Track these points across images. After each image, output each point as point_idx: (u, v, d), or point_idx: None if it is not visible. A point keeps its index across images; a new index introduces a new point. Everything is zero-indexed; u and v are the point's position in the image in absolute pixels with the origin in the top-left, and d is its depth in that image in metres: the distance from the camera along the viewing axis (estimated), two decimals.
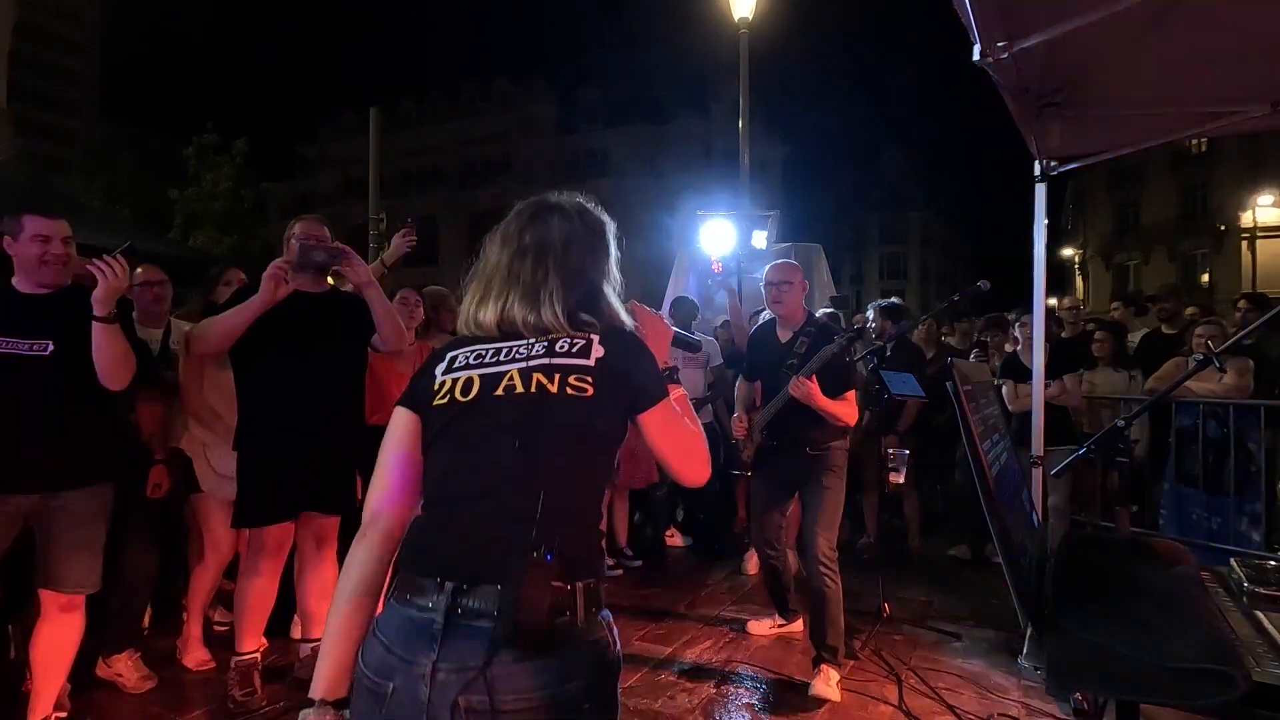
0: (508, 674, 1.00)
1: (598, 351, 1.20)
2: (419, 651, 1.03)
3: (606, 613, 1.15)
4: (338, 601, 1.15)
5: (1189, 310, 5.69)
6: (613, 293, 1.32)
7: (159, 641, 3.35)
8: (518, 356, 1.21)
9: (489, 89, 38.61)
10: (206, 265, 4.47)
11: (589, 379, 1.17)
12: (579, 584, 1.08)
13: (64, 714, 2.68)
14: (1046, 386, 4.25)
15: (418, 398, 1.23)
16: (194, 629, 3.22)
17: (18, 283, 2.48)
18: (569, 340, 1.22)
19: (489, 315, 1.25)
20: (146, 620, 3.48)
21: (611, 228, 1.36)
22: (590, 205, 1.35)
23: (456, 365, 1.23)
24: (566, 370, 1.18)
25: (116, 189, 24.45)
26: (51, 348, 2.41)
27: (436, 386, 1.21)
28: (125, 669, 2.98)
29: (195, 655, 3.19)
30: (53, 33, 53.16)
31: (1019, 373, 4.49)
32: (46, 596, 2.47)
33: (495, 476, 1.13)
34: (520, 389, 1.17)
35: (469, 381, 1.20)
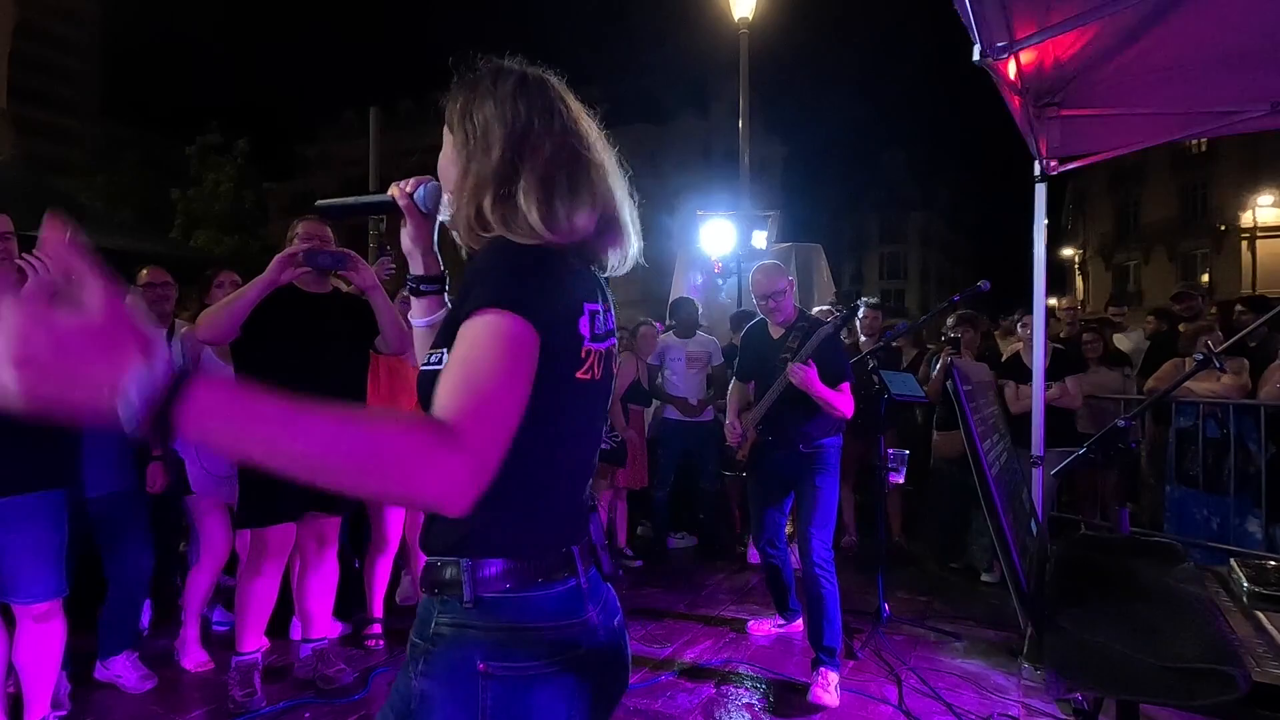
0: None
1: None
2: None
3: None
4: None
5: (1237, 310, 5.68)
6: None
7: (158, 642, 3.35)
8: (611, 328, 1.09)
9: None
10: (208, 266, 4.47)
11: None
12: None
13: (63, 713, 2.68)
14: (1048, 389, 4.27)
15: (558, 356, 0.95)
16: (191, 630, 3.22)
17: None
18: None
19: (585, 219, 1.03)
20: (146, 621, 3.49)
21: None
22: None
23: (598, 329, 1.03)
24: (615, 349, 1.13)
25: (117, 189, 24.46)
26: None
27: (584, 354, 1.00)
28: (124, 669, 2.98)
29: (194, 656, 3.19)
30: (53, 33, 53.18)
31: (1020, 373, 4.49)
32: (15, 608, 2.41)
33: (590, 459, 1.11)
34: (612, 370, 1.10)
35: (599, 358, 1.05)
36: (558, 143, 1.02)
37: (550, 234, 0.99)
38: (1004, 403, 4.36)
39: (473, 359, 0.86)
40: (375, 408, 0.87)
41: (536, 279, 0.95)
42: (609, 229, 1.07)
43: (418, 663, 1.01)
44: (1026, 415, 4.13)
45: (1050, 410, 4.19)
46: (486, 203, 1.01)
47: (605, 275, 1.14)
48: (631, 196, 1.12)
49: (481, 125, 1.03)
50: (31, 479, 2.41)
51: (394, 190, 1.20)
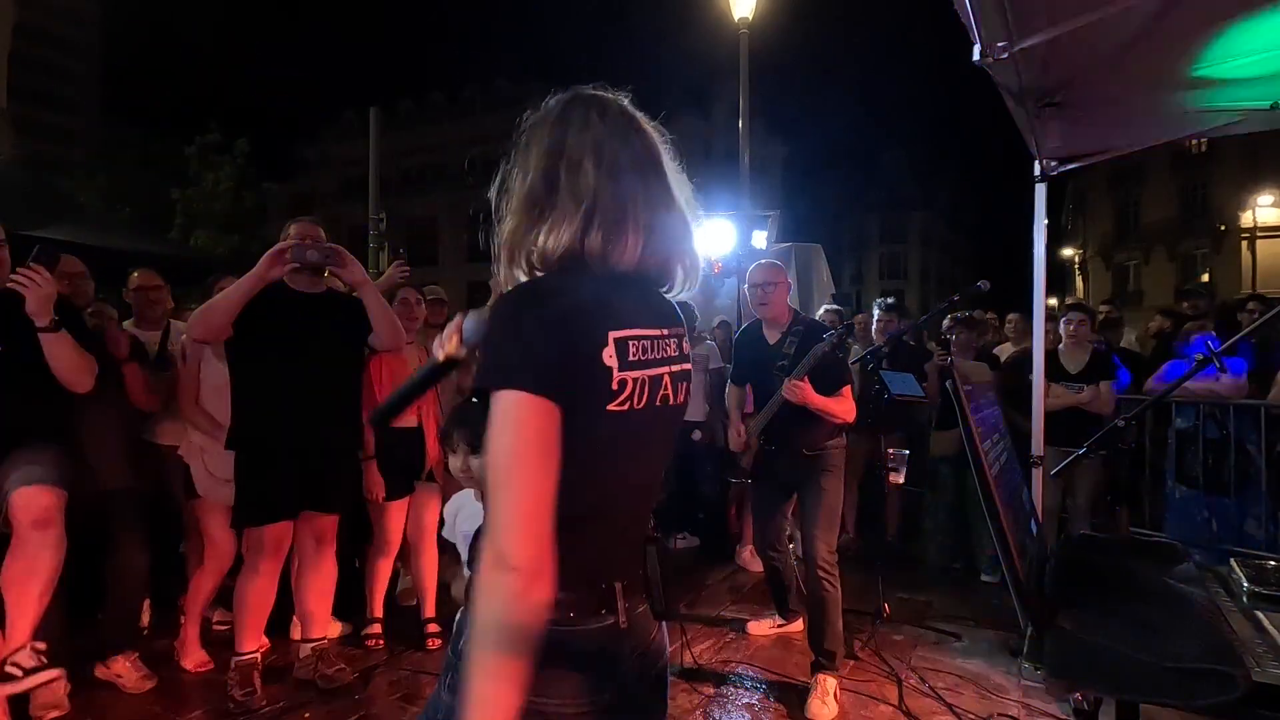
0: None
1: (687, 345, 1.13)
2: None
3: None
4: None
5: (1251, 305, 5.69)
6: None
7: (158, 642, 3.35)
8: (669, 355, 1.06)
9: (489, 89, 38.56)
10: (208, 266, 4.48)
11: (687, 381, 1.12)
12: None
13: (42, 647, 2.60)
14: (1079, 391, 4.30)
15: (581, 392, 0.94)
16: (191, 630, 3.22)
17: None
18: (684, 335, 1.12)
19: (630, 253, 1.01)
20: (146, 621, 3.49)
21: None
22: None
23: (636, 357, 1.00)
24: (686, 376, 1.11)
25: (117, 189, 24.46)
26: (0, 349, 2.35)
27: (615, 386, 0.97)
28: (124, 670, 2.98)
29: (194, 656, 3.19)
30: (53, 33, 53.17)
31: (1054, 371, 4.42)
32: (16, 509, 2.34)
33: (643, 490, 1.10)
34: (673, 399, 1.07)
35: (643, 385, 1.01)
36: (596, 164, 0.99)
37: (590, 261, 0.98)
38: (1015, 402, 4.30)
39: (501, 460, 0.89)
40: None
41: (533, 330, 0.92)
42: (664, 246, 1.04)
43: (447, 675, 1.00)
44: (1057, 414, 4.13)
45: (1079, 412, 4.23)
46: (524, 236, 1.00)
47: (674, 295, 1.11)
48: (694, 205, 1.09)
49: (529, 160, 1.03)
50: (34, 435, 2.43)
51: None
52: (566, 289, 0.95)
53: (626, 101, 1.08)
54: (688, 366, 1.11)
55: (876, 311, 5.27)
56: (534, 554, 0.87)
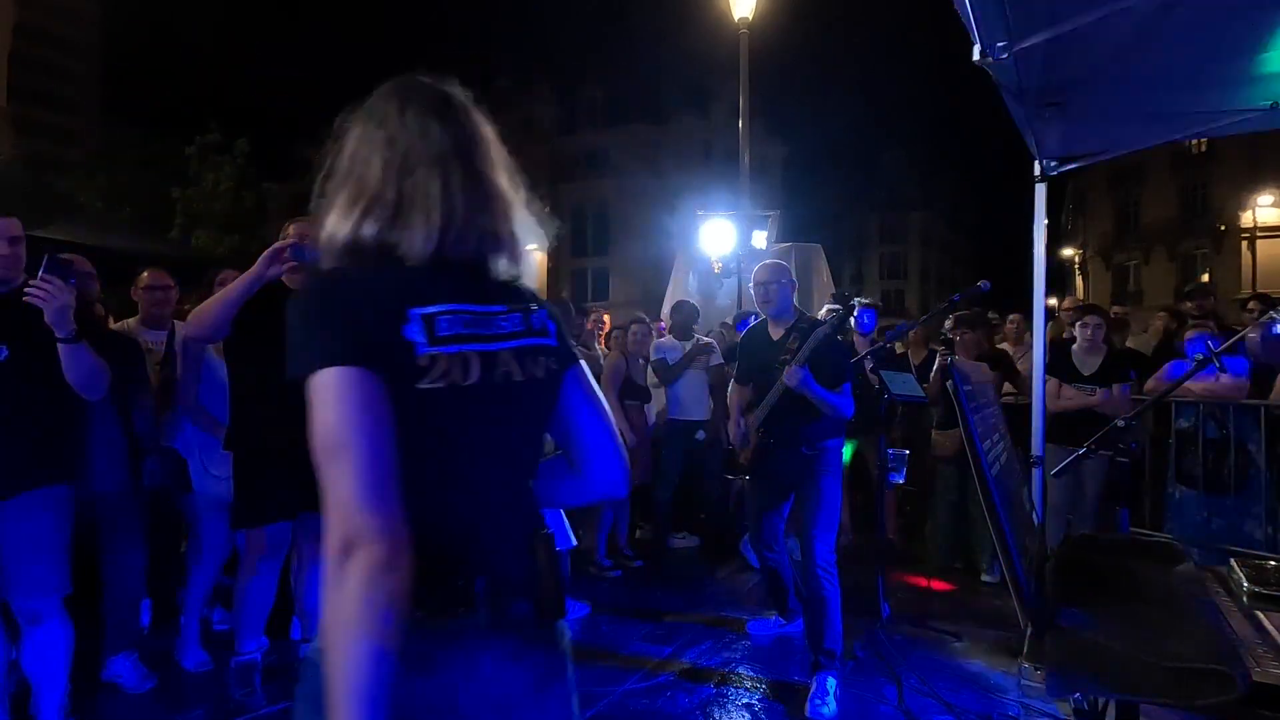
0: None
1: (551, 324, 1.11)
2: None
3: None
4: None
5: (1252, 304, 5.69)
6: None
7: (158, 642, 3.35)
8: (507, 331, 1.03)
9: (489, 89, 38.60)
10: (208, 265, 4.46)
11: (555, 361, 1.09)
12: None
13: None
14: (1092, 394, 4.30)
15: (389, 367, 0.91)
16: (192, 629, 3.21)
17: None
18: (537, 309, 1.09)
19: (419, 240, 0.98)
20: (145, 620, 3.48)
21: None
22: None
23: (449, 331, 0.96)
24: (539, 352, 1.07)
25: (117, 189, 24.44)
26: (6, 353, 2.33)
27: (425, 362, 0.93)
28: (124, 669, 2.98)
29: (194, 656, 3.18)
30: (53, 33, 53.20)
31: (1066, 371, 4.42)
32: (14, 607, 2.38)
33: (505, 476, 1.05)
34: (518, 375, 1.02)
35: (465, 362, 0.97)
36: (385, 160, 1.00)
37: (370, 252, 0.98)
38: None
39: (330, 435, 0.88)
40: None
41: (324, 312, 0.93)
42: (471, 235, 1.01)
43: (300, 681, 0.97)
44: (1069, 414, 4.12)
45: (1091, 413, 4.20)
46: (327, 223, 1.01)
47: (506, 279, 1.06)
48: (519, 193, 1.08)
49: (338, 156, 1.04)
50: (41, 478, 2.39)
51: None
52: (352, 274, 0.97)
53: (454, 89, 1.07)
54: (541, 343, 1.07)
55: (856, 309, 5.28)
56: (389, 524, 0.82)
